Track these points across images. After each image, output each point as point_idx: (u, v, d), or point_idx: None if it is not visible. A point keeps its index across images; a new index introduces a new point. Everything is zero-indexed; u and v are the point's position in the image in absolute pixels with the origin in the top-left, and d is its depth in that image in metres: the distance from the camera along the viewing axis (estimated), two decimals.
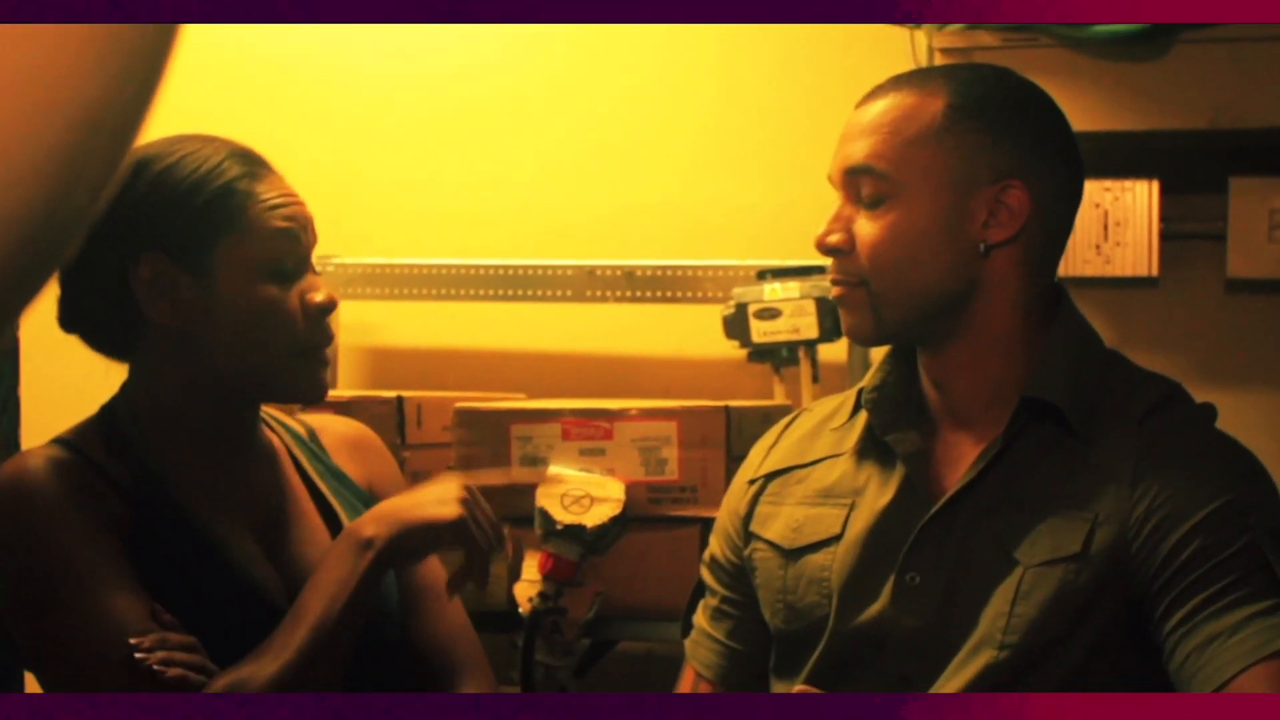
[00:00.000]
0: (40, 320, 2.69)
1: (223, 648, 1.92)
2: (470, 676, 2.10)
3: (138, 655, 1.85)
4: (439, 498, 1.98)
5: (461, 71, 3.48)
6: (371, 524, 1.96)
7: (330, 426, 2.22)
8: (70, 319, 2.04)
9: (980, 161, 1.92)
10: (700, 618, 2.15)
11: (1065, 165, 1.98)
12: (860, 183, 1.93)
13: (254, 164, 2.02)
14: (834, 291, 1.99)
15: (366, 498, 2.15)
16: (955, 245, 1.93)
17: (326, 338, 2.04)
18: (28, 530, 1.92)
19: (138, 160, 1.98)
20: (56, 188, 0.68)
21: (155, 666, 1.85)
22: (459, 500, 1.97)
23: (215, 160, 1.99)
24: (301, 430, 2.19)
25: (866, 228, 1.93)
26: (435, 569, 2.14)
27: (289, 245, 2.00)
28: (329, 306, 2.02)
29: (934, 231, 1.92)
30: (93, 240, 1.93)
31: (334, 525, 2.09)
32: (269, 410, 2.16)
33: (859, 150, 1.93)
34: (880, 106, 1.94)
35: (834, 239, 1.95)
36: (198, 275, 1.97)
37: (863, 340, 2.03)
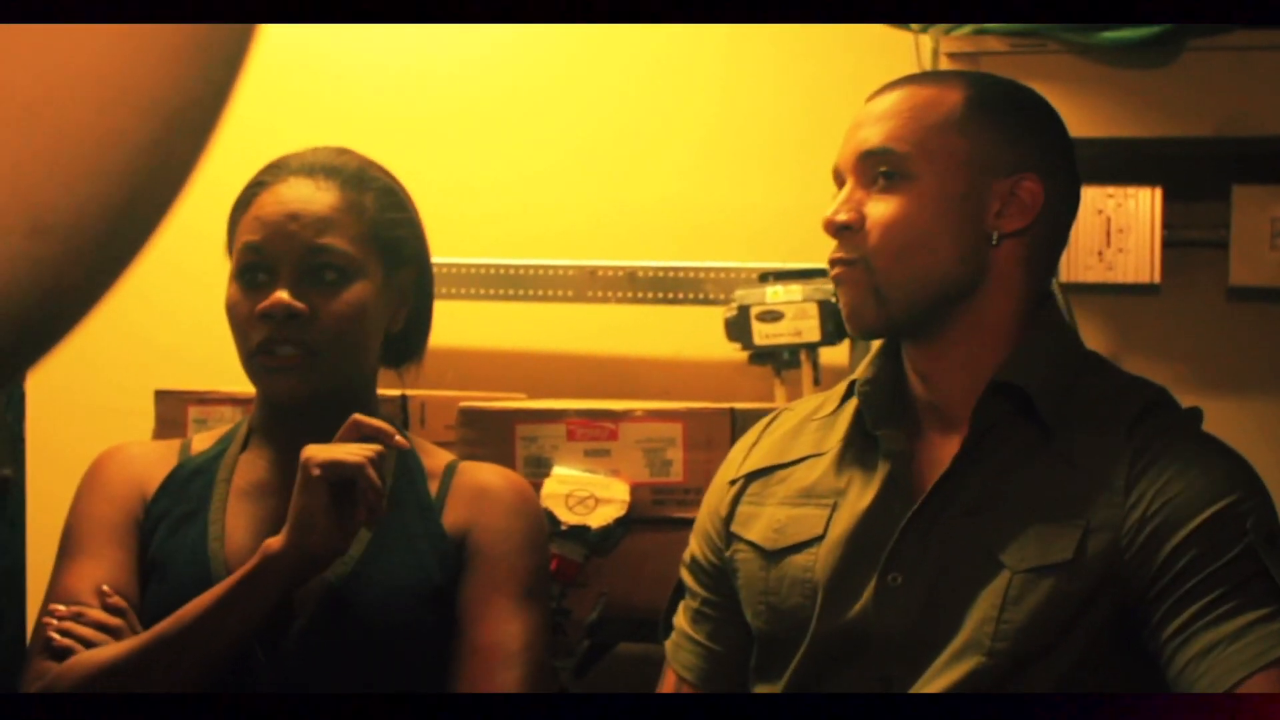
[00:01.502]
0: None
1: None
2: None
3: (45, 619, 2.04)
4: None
5: (462, 69, 3.47)
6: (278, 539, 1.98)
7: (475, 471, 2.20)
8: None
9: (997, 152, 1.94)
10: (680, 619, 2.14)
11: (1071, 170, 2.01)
12: (876, 165, 1.93)
13: (279, 172, 2.11)
14: (833, 271, 1.97)
15: (444, 540, 2.11)
16: (967, 232, 1.93)
17: (272, 338, 2.05)
18: (79, 492, 2.16)
19: None
20: (143, 181, 0.70)
21: (49, 634, 2.02)
22: (307, 464, 1.95)
23: (261, 169, 2.13)
24: (435, 467, 2.18)
25: (879, 208, 1.92)
26: (499, 633, 2.07)
27: (247, 254, 2.08)
28: (267, 312, 2.04)
29: (948, 216, 1.92)
30: None
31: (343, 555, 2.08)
32: (422, 443, 2.22)
33: (876, 134, 1.94)
34: (896, 95, 1.96)
35: (844, 216, 1.94)
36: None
37: (864, 326, 1.97)
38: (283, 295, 2.04)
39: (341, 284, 2.07)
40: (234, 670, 2.01)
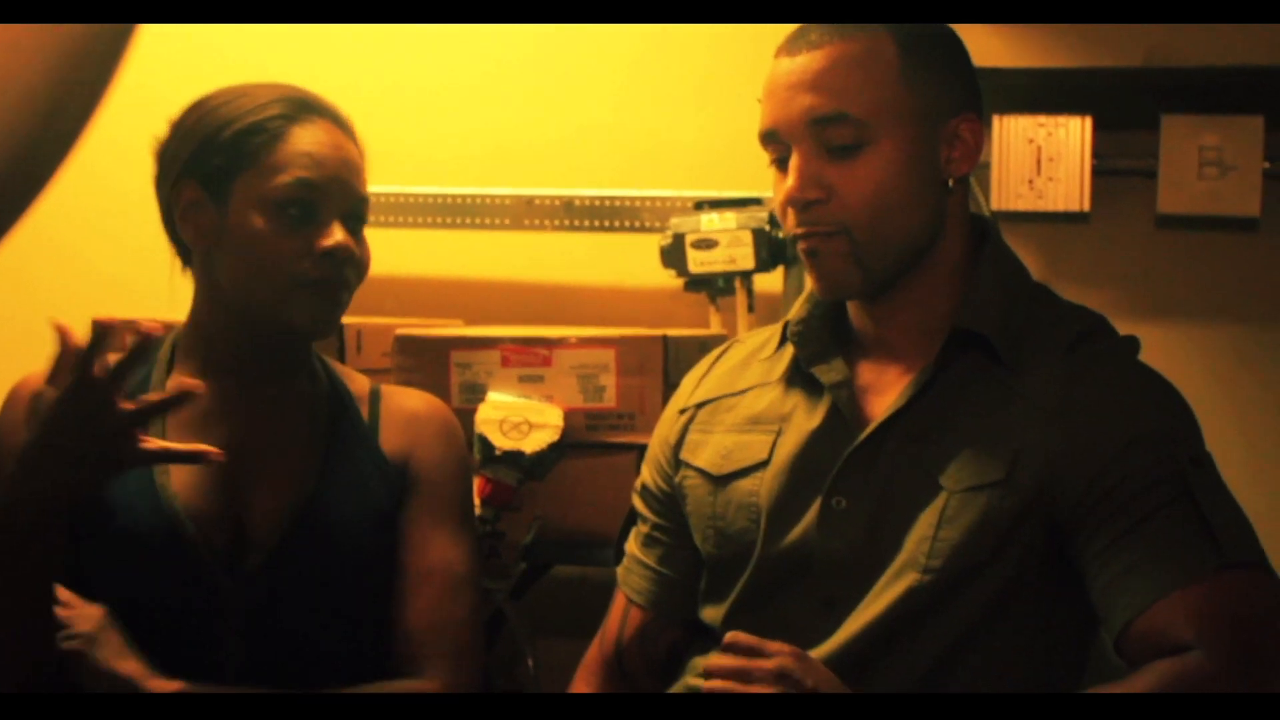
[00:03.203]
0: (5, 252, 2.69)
1: (127, 558, 2.02)
2: (429, 672, 2.08)
3: None
4: None
5: None
6: None
7: (400, 396, 2.25)
8: (167, 233, 2.18)
9: (939, 96, 1.95)
10: (632, 545, 2.17)
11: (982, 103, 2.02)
12: (830, 132, 1.91)
13: (302, 110, 2.11)
14: (805, 244, 1.94)
15: (386, 465, 2.16)
16: (930, 182, 1.95)
17: (331, 274, 2.08)
18: None
19: (201, 98, 2.15)
20: (44, 113, 0.70)
21: None
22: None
23: (260, 102, 2.11)
24: (360, 392, 2.22)
25: (845, 176, 1.91)
26: (447, 559, 2.13)
27: (301, 189, 2.07)
28: (333, 251, 2.07)
29: (912, 171, 1.92)
30: (158, 166, 2.14)
31: (302, 483, 2.11)
32: (341, 368, 2.24)
33: (824, 99, 1.91)
34: (826, 53, 1.92)
35: (815, 193, 1.92)
36: (219, 203, 2.09)
37: (845, 293, 1.98)
38: (345, 237, 2.09)
39: (361, 229, 2.14)
40: (199, 611, 2.03)
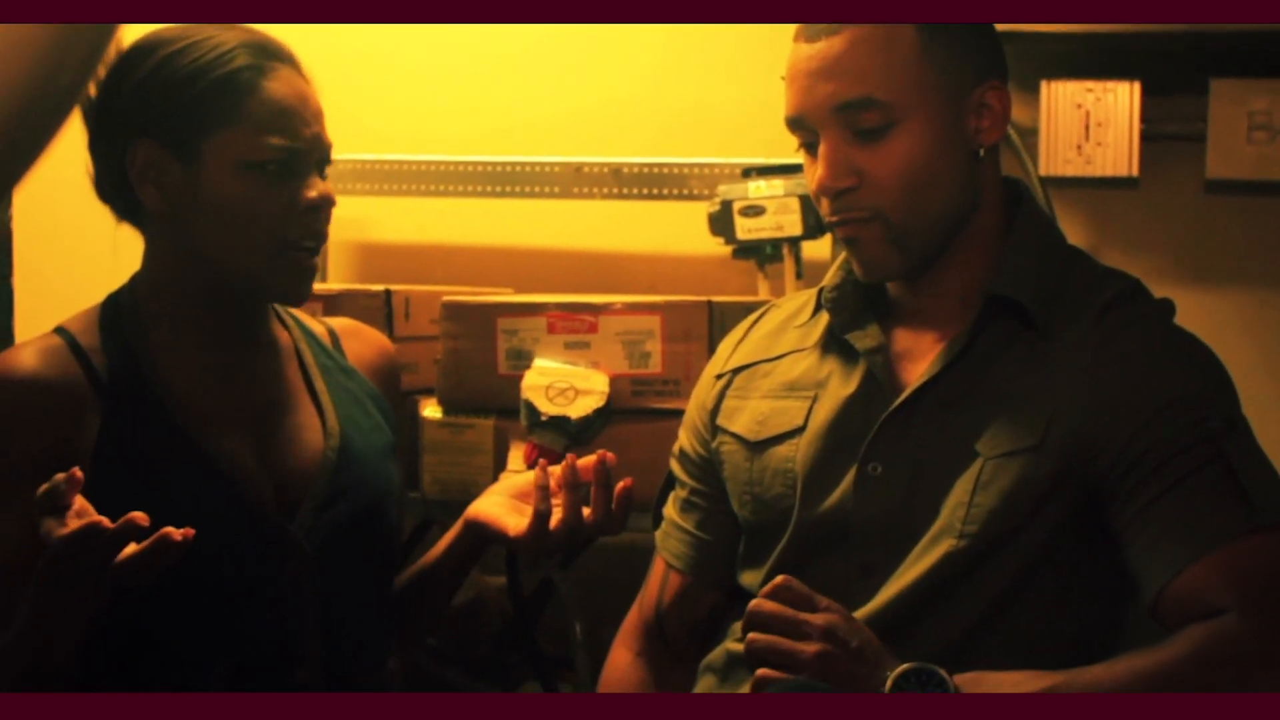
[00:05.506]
0: (33, 210, 2.72)
1: (201, 543, 1.86)
2: None
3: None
4: None
5: None
6: None
7: (352, 331, 2.23)
8: (100, 191, 2.04)
9: (962, 68, 1.94)
10: (670, 509, 2.18)
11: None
12: (858, 117, 1.90)
13: (267, 57, 1.99)
14: (844, 231, 1.95)
15: (376, 395, 2.16)
16: (960, 155, 1.94)
17: (313, 236, 2.00)
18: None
19: (146, 44, 1.98)
20: (44, 69, 0.72)
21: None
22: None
23: (223, 49, 1.97)
24: (321, 330, 2.19)
25: (875, 160, 1.91)
26: None
27: (281, 144, 1.97)
28: (318, 203, 1.99)
29: (942, 146, 1.92)
30: (100, 122, 1.97)
31: (324, 424, 2.08)
32: (290, 310, 2.16)
33: (847, 85, 1.90)
34: (847, 37, 1.91)
35: (846, 180, 1.91)
36: (186, 164, 1.97)
37: (888, 276, 1.98)
38: (326, 187, 2.01)
39: (325, 177, 2.05)
40: (273, 574, 2.00)
